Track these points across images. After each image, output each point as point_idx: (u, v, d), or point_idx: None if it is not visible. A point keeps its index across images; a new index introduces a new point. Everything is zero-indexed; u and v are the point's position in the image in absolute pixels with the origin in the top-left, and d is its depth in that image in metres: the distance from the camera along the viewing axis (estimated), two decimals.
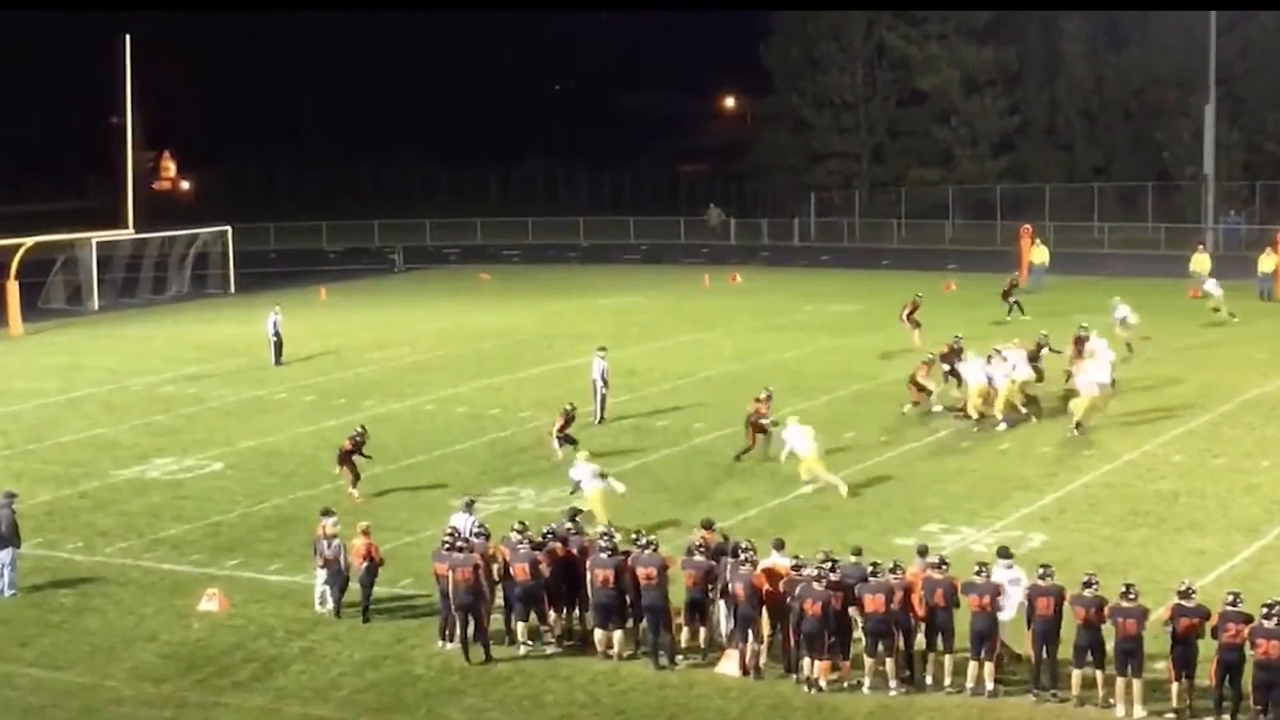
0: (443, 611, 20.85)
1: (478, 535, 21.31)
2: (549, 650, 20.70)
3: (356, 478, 28.27)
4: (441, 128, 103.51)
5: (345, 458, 28.24)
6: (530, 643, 20.77)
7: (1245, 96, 75.07)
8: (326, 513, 22.81)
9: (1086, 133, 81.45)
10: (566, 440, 30.08)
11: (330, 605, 22.27)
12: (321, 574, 22.37)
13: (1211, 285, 49.60)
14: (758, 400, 30.64)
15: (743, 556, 20.01)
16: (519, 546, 20.69)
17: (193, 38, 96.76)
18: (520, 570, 20.53)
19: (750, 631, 19.73)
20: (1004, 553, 20.04)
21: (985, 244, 70.82)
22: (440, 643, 20.87)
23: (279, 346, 42.87)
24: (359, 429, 29.06)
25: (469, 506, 23.25)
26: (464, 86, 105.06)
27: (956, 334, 36.30)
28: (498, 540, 21.26)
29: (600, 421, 34.02)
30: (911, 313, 42.52)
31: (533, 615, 20.84)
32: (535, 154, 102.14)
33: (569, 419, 30.57)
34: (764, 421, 30.13)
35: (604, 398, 34.28)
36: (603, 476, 25.94)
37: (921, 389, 33.95)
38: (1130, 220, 73.41)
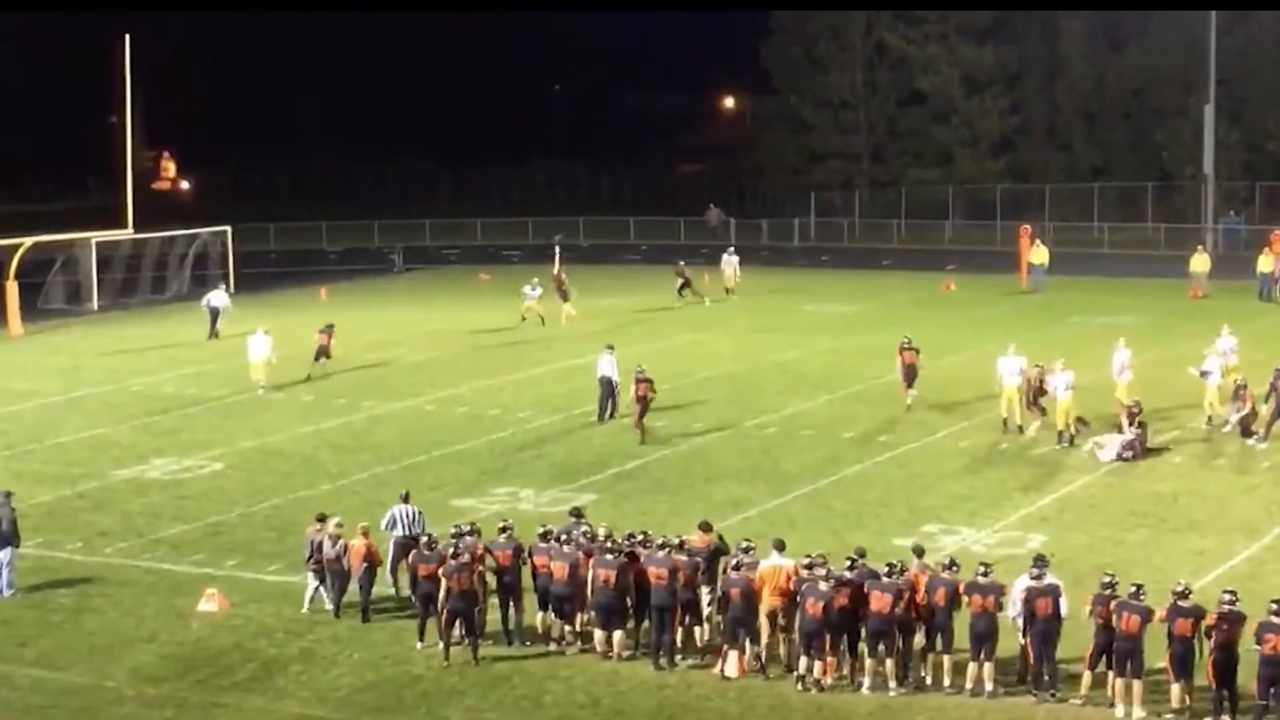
0: (420, 613, 20.91)
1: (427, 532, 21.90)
2: (569, 652, 20.69)
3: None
4: (441, 128, 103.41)
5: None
6: (560, 642, 20.81)
7: (1245, 96, 75.00)
8: (323, 517, 22.85)
9: (1086, 133, 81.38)
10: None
11: (322, 604, 22.30)
12: (312, 575, 22.37)
13: (729, 262, 54.00)
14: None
15: (741, 558, 20.01)
16: (563, 548, 20.69)
17: (193, 38, 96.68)
18: (559, 570, 20.55)
19: (745, 634, 19.70)
20: (1040, 561, 19.52)
21: (985, 244, 70.79)
22: (420, 644, 20.87)
23: (215, 322, 47.55)
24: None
25: (406, 498, 23.36)
26: (464, 87, 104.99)
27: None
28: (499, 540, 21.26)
29: (609, 418, 33.85)
30: (560, 278, 43.44)
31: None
32: (535, 154, 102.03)
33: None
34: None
35: (617, 394, 34.15)
36: None
37: (1043, 410, 31.92)
38: (1130, 220, 73.35)
